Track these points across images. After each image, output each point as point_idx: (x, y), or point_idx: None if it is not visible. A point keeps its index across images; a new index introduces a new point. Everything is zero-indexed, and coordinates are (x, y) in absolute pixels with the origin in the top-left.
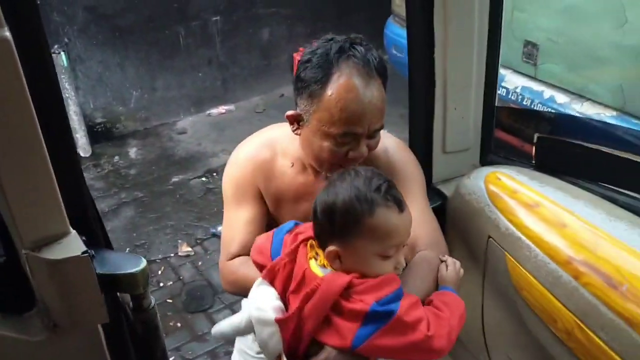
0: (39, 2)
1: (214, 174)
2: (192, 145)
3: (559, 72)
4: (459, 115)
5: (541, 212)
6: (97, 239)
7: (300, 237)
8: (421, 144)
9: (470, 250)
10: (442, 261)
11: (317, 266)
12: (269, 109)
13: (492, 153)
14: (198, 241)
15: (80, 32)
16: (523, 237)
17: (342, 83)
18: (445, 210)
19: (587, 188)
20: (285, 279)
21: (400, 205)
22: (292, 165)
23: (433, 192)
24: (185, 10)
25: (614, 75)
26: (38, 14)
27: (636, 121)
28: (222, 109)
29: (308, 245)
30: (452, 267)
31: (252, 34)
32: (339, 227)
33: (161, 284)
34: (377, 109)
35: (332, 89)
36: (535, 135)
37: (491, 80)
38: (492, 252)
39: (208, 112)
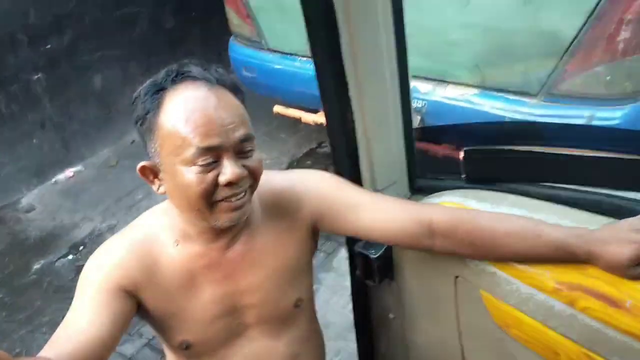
0: None
1: (81, 247)
2: (45, 221)
3: (417, 62)
4: (383, 151)
5: None
6: None
7: None
8: None
9: (434, 294)
10: None
11: None
12: (122, 159)
13: (418, 178)
14: None
15: None
16: (499, 271)
17: (177, 98)
18: (391, 256)
19: (537, 195)
20: None
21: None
22: (177, 244)
23: None
24: None
25: (468, 55)
26: None
27: (497, 94)
28: (69, 172)
29: None
30: None
31: (83, 84)
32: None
33: None
34: (232, 112)
35: (168, 108)
36: (463, 150)
37: (407, 101)
38: (463, 292)
39: (54, 179)
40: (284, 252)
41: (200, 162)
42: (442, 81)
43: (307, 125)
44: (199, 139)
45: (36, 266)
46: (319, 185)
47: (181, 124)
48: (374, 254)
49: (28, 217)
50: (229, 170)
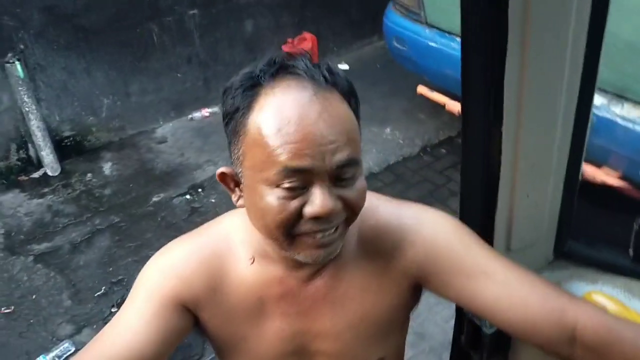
0: None
1: (199, 189)
2: (173, 156)
3: None
4: (531, 204)
5: None
6: None
7: None
8: None
9: None
10: None
11: None
12: None
13: (571, 239)
14: None
15: (38, 37)
16: None
17: (274, 100)
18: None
19: None
20: None
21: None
22: (252, 262)
23: None
24: (157, 5)
25: None
26: None
27: None
28: (205, 112)
29: None
30: None
31: (234, 27)
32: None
33: None
34: (337, 127)
35: (260, 110)
36: (637, 223)
37: (581, 139)
38: None
39: (190, 116)
40: (374, 299)
41: (285, 184)
42: (619, 96)
43: (450, 112)
44: (286, 156)
45: (155, 198)
46: (434, 233)
47: (270, 135)
48: (488, 328)
49: (159, 148)
50: (318, 201)
